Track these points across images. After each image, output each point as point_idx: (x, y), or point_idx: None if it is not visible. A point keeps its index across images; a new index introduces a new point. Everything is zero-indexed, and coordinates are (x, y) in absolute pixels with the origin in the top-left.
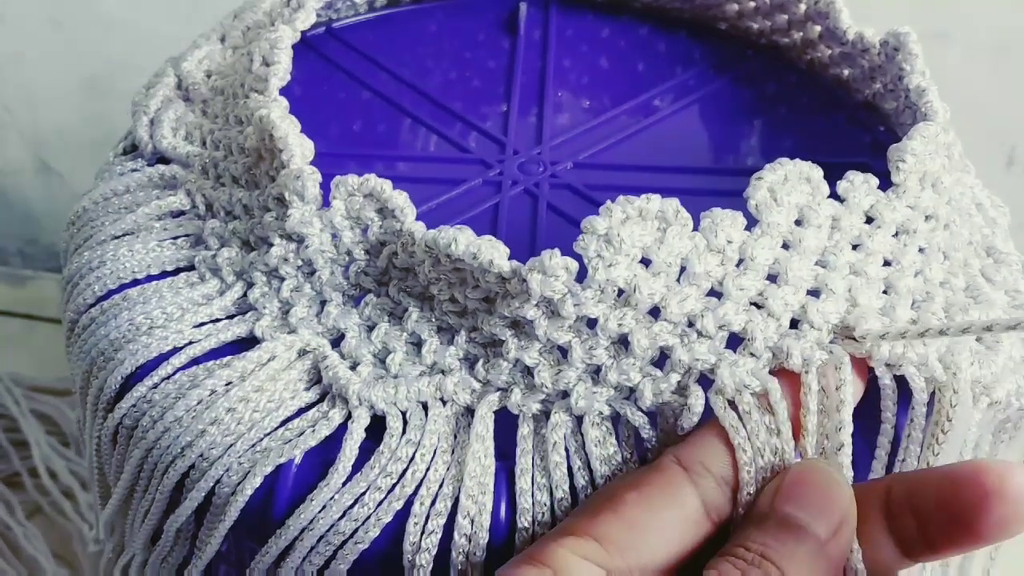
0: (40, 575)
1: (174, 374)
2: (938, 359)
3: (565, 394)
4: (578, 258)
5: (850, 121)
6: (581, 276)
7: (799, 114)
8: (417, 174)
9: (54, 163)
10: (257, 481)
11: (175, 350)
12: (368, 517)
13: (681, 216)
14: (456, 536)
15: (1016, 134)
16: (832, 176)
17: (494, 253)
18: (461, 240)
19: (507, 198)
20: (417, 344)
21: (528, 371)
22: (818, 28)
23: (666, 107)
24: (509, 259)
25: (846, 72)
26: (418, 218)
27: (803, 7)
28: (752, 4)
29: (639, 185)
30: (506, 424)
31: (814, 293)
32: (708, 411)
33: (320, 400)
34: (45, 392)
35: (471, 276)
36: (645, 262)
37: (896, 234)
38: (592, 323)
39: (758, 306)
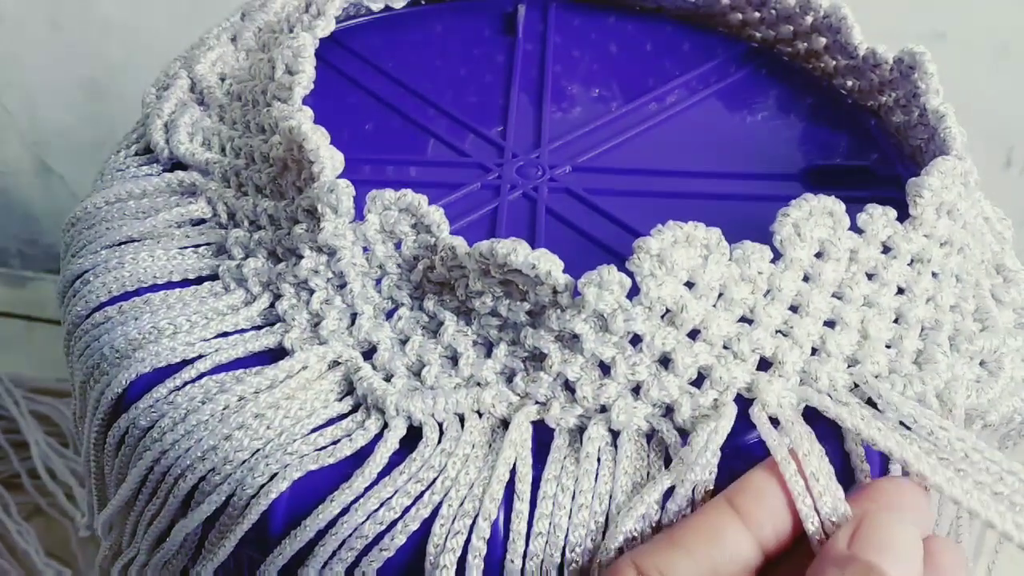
0: (36, 575)
1: (199, 378)
2: (936, 395)
3: (604, 408)
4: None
5: (852, 126)
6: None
7: (800, 118)
8: (415, 178)
9: (54, 164)
10: (283, 485)
11: (200, 357)
12: (395, 522)
13: (721, 245)
14: (474, 539)
15: (1015, 134)
16: (832, 180)
17: (551, 265)
18: (520, 251)
19: (506, 202)
20: (451, 357)
21: (568, 385)
22: (824, 40)
23: (666, 110)
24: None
25: (850, 83)
26: None
27: (810, 20)
28: (757, 15)
29: (638, 189)
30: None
31: (830, 324)
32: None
33: (353, 411)
34: (45, 393)
35: (518, 289)
36: (688, 285)
37: (911, 262)
38: (636, 340)
39: (783, 334)
